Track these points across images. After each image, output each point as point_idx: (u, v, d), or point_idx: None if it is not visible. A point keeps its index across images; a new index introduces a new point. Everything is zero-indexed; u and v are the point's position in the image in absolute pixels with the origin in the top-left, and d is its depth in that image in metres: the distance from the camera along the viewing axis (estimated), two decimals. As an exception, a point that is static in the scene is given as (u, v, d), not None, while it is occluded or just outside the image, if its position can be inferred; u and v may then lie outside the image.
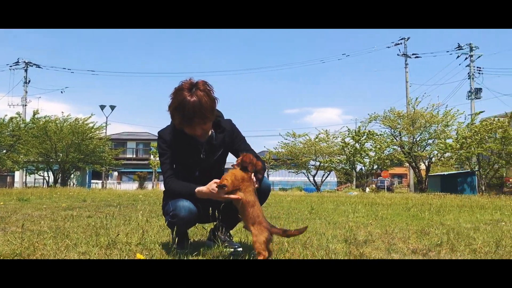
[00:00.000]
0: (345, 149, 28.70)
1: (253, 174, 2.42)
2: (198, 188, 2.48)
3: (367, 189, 31.25)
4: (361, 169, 31.15)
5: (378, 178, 40.43)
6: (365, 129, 28.61)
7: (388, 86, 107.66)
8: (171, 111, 2.49)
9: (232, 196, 2.37)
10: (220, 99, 2.52)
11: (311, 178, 30.15)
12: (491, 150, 24.37)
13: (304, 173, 30.74)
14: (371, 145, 28.52)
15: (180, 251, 2.58)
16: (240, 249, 2.75)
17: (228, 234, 2.89)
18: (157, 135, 2.71)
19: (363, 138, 28.11)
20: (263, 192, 2.65)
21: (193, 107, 2.39)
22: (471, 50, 33.74)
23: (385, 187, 34.53)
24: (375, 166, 29.92)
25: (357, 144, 28.32)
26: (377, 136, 28.22)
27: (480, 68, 33.92)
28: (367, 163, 29.17)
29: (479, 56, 34.11)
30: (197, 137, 2.59)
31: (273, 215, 5.75)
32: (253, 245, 2.30)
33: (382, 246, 3.11)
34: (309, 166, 30.72)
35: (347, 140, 28.71)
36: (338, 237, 3.53)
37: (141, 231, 3.49)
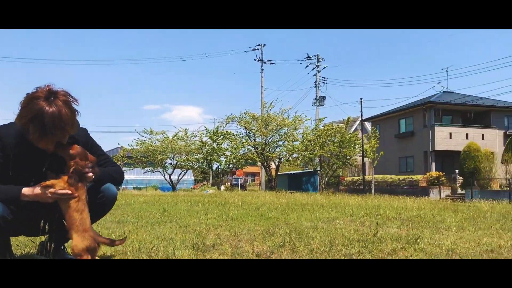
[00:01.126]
0: (203, 148, 29.04)
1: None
2: (26, 189, 2.13)
3: (222, 187, 32.12)
4: (218, 167, 31.89)
5: (233, 177, 41.88)
6: (223, 129, 29.37)
7: (246, 89, 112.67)
8: (25, 123, 2.07)
9: (61, 191, 2.11)
10: (72, 89, 2.19)
11: (167, 177, 29.72)
12: (331, 152, 27.27)
13: (160, 172, 30.14)
14: (227, 145, 29.44)
15: None
16: None
17: (62, 247, 2.58)
18: None
19: (220, 138, 28.80)
20: (107, 201, 2.44)
21: (52, 118, 2.03)
22: (318, 61, 37.33)
23: (239, 185, 35.90)
24: (231, 165, 30.93)
25: (214, 143, 28.89)
26: (233, 137, 29.22)
27: (324, 78, 37.76)
28: (224, 162, 29.99)
29: (324, 67, 37.98)
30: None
31: (121, 219, 5.41)
32: (71, 251, 2.15)
33: (229, 250, 3.13)
34: (165, 165, 30.24)
35: (205, 139, 29.11)
36: (187, 242, 3.45)
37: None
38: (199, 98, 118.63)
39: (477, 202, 14.04)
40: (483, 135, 28.61)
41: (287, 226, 4.78)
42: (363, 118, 30.34)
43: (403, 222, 5.41)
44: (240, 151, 29.85)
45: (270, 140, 29.43)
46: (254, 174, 67.57)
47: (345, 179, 33.84)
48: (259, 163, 33.18)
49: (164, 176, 30.04)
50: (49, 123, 2.04)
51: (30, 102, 2.06)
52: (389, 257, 2.98)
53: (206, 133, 29.13)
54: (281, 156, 29.83)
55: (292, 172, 33.65)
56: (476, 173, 21.59)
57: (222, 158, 29.56)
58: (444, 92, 32.65)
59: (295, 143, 28.62)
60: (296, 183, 29.30)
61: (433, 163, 28.26)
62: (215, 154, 28.87)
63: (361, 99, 27.57)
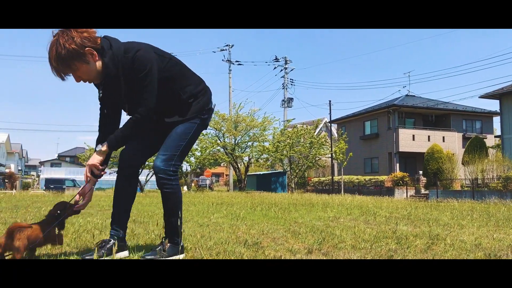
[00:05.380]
0: (172, 148, 28.76)
1: None
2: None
3: (185, 188, 31.87)
4: (186, 168, 31.66)
5: (200, 177, 41.68)
6: (191, 129, 29.19)
7: (214, 89, 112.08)
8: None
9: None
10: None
11: (135, 177, 29.18)
12: (301, 153, 27.76)
13: (127, 172, 29.54)
14: (197, 144, 29.27)
15: None
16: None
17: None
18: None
19: (189, 137, 28.64)
20: None
21: None
22: (285, 63, 37.80)
23: (207, 185, 35.80)
24: (200, 166, 30.80)
25: (183, 143, 28.70)
26: (203, 136, 29.11)
27: (292, 80, 38.30)
28: (193, 163, 29.83)
29: (292, 69, 38.55)
30: None
31: (136, 219, 5.37)
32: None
33: (280, 247, 3.24)
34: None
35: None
36: (227, 239, 3.53)
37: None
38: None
39: (445, 202, 14.81)
40: (443, 137, 30.02)
41: (303, 226, 4.93)
42: (331, 120, 31.06)
43: (404, 221, 5.70)
44: (209, 151, 29.78)
45: (239, 141, 29.56)
46: (218, 175, 67.36)
47: (312, 179, 34.52)
48: (223, 164, 33.20)
49: (131, 177, 29.48)
50: None
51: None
52: (427, 252, 3.19)
53: (176, 133, 28.90)
54: (251, 157, 30.02)
55: (261, 172, 33.92)
56: (439, 173, 22.65)
57: (192, 159, 29.38)
58: (406, 95, 33.96)
59: (265, 143, 28.91)
60: (265, 183, 29.58)
61: (397, 164, 29.36)
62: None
63: (329, 101, 28.35)
